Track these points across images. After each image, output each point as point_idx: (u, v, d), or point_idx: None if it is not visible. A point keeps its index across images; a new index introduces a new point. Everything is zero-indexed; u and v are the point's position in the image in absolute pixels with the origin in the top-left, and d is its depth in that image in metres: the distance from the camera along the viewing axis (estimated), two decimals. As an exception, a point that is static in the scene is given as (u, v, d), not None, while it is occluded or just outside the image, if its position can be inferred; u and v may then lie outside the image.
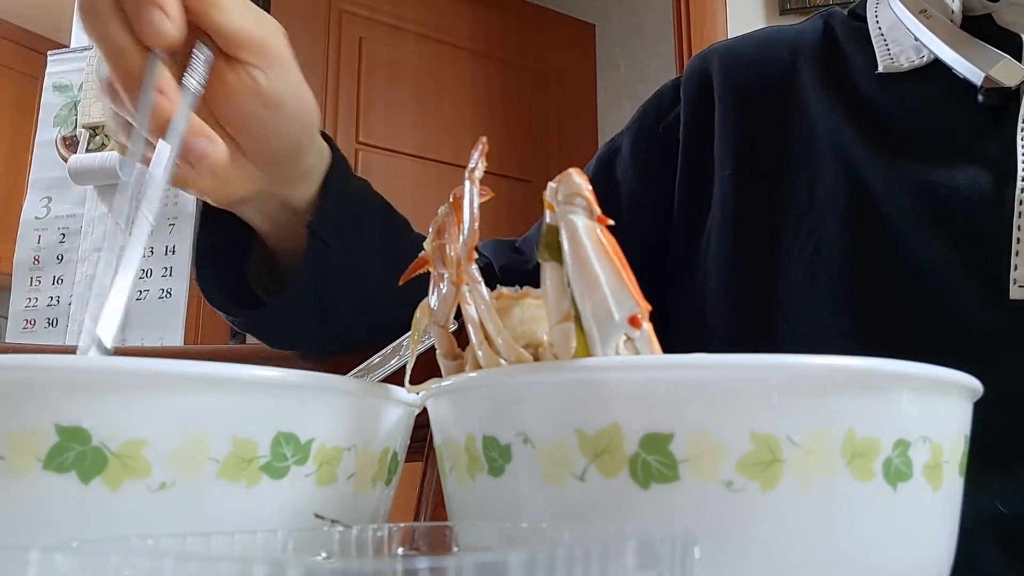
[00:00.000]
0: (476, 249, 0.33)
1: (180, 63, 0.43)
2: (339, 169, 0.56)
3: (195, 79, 0.43)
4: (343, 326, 0.60)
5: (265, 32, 0.45)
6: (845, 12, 0.70)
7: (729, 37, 1.82)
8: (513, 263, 0.69)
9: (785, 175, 0.63)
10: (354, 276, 0.57)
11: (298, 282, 0.54)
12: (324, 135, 0.55)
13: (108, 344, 0.35)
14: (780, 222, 0.61)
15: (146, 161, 0.42)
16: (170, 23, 0.40)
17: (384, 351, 0.45)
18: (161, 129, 0.41)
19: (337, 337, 0.60)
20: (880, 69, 0.62)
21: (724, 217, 0.64)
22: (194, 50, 0.43)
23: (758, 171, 0.64)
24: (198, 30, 0.43)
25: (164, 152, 0.41)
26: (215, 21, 0.43)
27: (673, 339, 0.64)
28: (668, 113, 0.71)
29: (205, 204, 0.55)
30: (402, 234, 0.62)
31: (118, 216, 0.39)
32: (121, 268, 0.37)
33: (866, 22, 0.66)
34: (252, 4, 0.45)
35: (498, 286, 0.36)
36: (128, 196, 0.40)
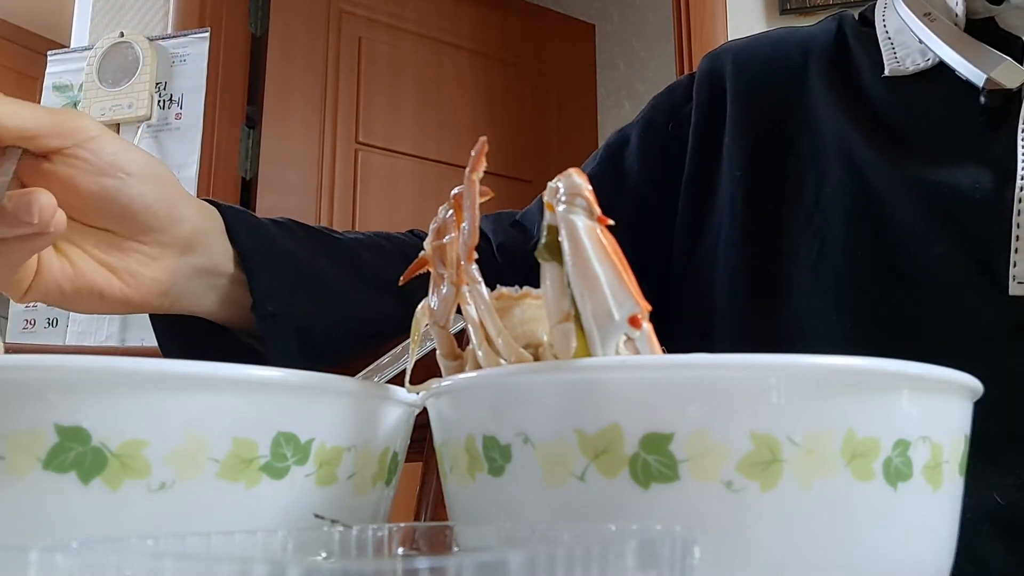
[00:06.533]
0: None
1: None
2: (241, 228, 0.54)
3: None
4: (342, 353, 0.60)
5: (57, 116, 0.44)
6: (856, 16, 0.70)
7: (729, 37, 1.82)
8: (511, 240, 0.69)
9: (792, 176, 0.63)
10: (327, 308, 0.57)
11: (273, 353, 0.55)
12: (211, 201, 0.54)
13: None
14: (787, 222, 0.62)
15: None
16: None
17: (394, 350, 0.45)
18: None
19: (339, 358, 0.60)
20: (886, 72, 0.62)
21: (733, 217, 0.64)
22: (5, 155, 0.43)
23: (767, 172, 0.64)
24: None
25: None
26: (4, 127, 0.42)
27: (677, 338, 0.65)
28: (679, 110, 0.71)
29: (154, 322, 0.55)
30: (337, 245, 0.62)
31: None
32: None
33: (874, 27, 0.67)
34: (28, 102, 0.44)
35: (498, 286, 0.36)
36: None
